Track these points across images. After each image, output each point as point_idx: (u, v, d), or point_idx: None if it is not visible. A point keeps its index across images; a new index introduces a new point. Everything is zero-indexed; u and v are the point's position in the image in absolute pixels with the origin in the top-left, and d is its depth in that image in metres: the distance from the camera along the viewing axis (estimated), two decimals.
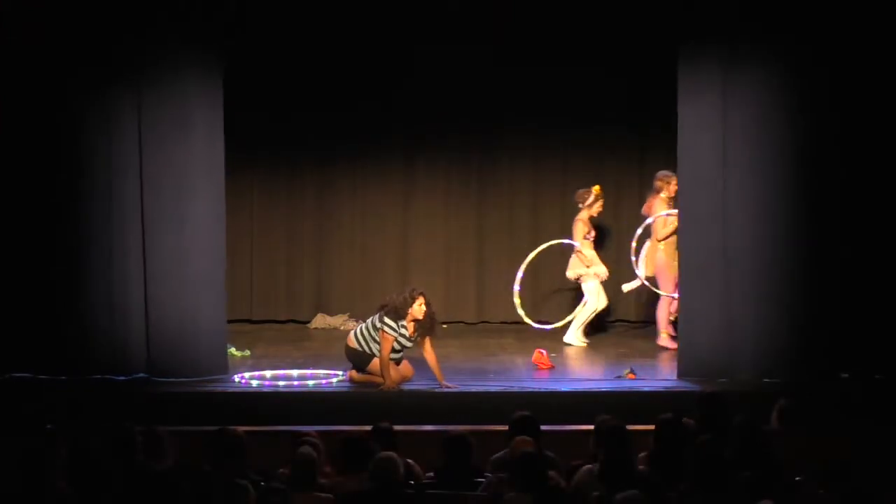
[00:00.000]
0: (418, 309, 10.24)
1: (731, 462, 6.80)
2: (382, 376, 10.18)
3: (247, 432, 7.26)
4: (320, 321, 13.83)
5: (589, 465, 7.02)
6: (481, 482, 7.00)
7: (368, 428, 7.57)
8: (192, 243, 10.65)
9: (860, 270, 10.63)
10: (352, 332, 10.54)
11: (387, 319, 10.22)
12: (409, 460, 7.20)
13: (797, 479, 6.81)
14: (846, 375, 10.57)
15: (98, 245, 10.64)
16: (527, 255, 13.04)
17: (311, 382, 10.55)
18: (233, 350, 11.56)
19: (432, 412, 9.68)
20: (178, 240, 10.62)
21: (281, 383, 10.52)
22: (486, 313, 14.10)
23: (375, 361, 10.29)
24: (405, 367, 10.46)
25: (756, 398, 9.37)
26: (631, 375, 10.63)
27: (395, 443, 7.37)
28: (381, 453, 6.70)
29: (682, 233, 10.87)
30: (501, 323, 13.94)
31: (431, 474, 7.30)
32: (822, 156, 10.62)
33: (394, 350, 10.29)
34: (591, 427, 7.48)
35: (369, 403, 9.90)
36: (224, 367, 10.74)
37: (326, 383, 10.54)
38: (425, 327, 10.30)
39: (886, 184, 10.67)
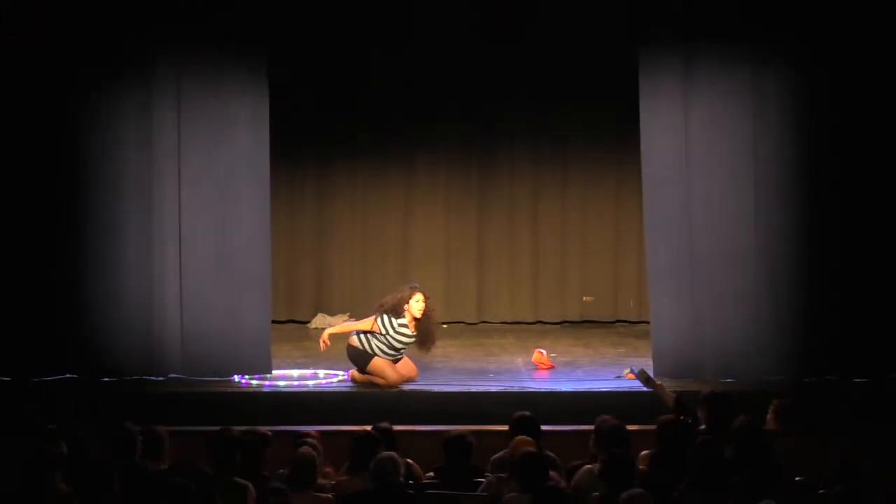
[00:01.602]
0: (416, 306, 10.16)
1: (731, 462, 6.80)
2: (383, 377, 10.15)
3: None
4: (320, 321, 13.82)
5: (589, 465, 7.03)
6: (481, 482, 7.00)
7: (368, 428, 7.56)
8: (237, 243, 10.65)
9: (828, 270, 10.67)
10: (354, 337, 10.48)
11: (385, 316, 10.18)
12: (409, 460, 7.21)
13: (797, 479, 6.81)
14: (810, 378, 10.56)
15: (136, 245, 10.64)
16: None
17: (311, 382, 10.55)
18: None
19: (432, 412, 9.67)
20: (223, 240, 10.64)
21: (281, 383, 10.51)
22: (486, 313, 14.09)
23: (376, 361, 10.25)
24: (408, 366, 10.43)
25: (756, 398, 9.36)
26: (630, 375, 10.61)
27: (395, 443, 7.37)
28: (381, 453, 6.70)
29: (647, 234, 10.87)
30: (501, 323, 13.94)
31: (431, 474, 7.30)
32: (785, 155, 10.67)
33: (393, 349, 10.27)
34: (591, 427, 7.48)
35: (369, 403, 9.90)
36: (268, 367, 10.71)
37: (326, 383, 10.54)
38: (425, 328, 10.24)
39: (850, 183, 10.67)
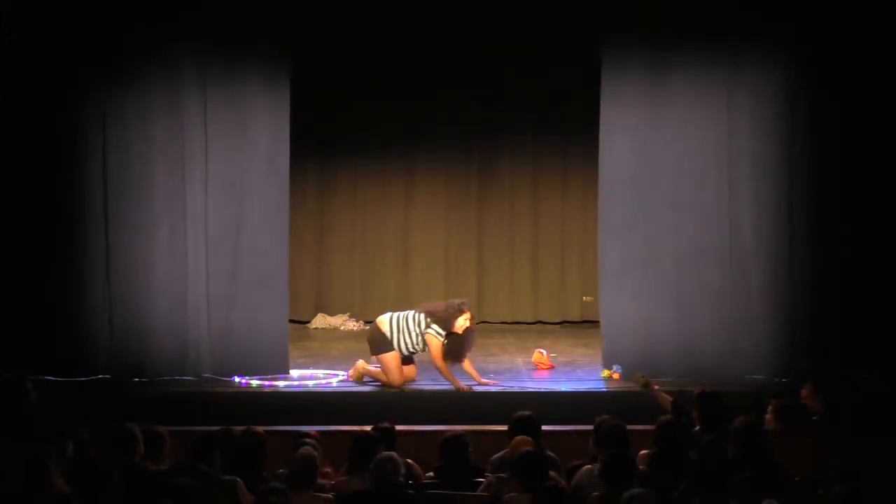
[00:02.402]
0: (462, 323, 10.17)
1: (731, 462, 6.80)
2: (447, 377, 10.13)
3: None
4: (320, 321, 13.83)
5: (589, 465, 7.03)
6: (481, 482, 7.00)
7: (368, 428, 7.56)
8: (257, 243, 10.69)
9: (792, 270, 10.69)
10: (385, 316, 10.38)
11: (434, 326, 10.17)
12: (409, 460, 7.21)
13: (797, 479, 6.81)
14: (760, 377, 10.61)
15: (161, 245, 10.68)
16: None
17: (311, 382, 10.55)
18: None
19: (432, 412, 9.68)
20: (241, 239, 10.67)
21: (281, 383, 10.51)
22: (486, 313, 14.10)
23: (392, 354, 10.18)
24: (411, 368, 10.41)
25: (755, 398, 9.37)
26: (615, 375, 10.60)
27: (395, 443, 7.37)
28: (381, 453, 6.70)
29: (601, 233, 10.87)
30: (501, 323, 13.95)
31: (431, 474, 7.30)
32: (749, 156, 10.69)
33: (410, 352, 10.26)
34: (591, 427, 7.48)
35: (369, 403, 9.91)
36: (286, 367, 10.73)
37: (326, 383, 10.54)
38: (459, 342, 10.19)
39: (817, 183, 10.72)
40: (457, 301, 10.37)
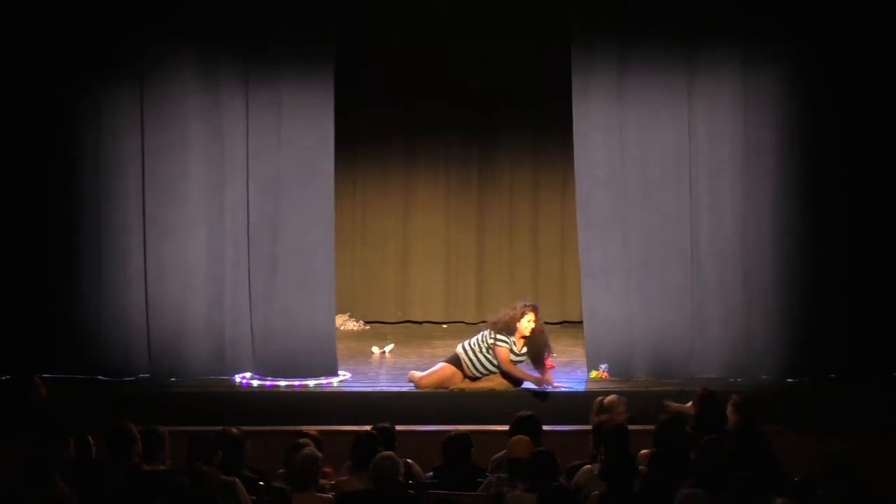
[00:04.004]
0: (526, 325, 10.03)
1: (731, 462, 6.80)
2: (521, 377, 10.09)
3: (246, 432, 7.28)
4: None
5: (589, 465, 7.03)
6: (481, 482, 7.00)
7: (368, 428, 7.56)
8: (300, 243, 10.68)
9: (767, 270, 10.70)
10: (460, 347, 10.30)
11: (499, 336, 10.10)
12: (409, 460, 7.21)
13: (797, 479, 6.81)
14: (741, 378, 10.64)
15: (200, 246, 10.67)
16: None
17: (311, 382, 10.54)
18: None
19: (432, 412, 9.68)
20: (286, 239, 10.66)
21: (281, 383, 10.51)
22: (486, 313, 14.05)
23: (445, 367, 10.20)
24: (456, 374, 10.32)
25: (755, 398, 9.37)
26: (604, 375, 10.59)
27: (395, 443, 7.37)
28: (381, 453, 6.70)
29: (580, 232, 10.88)
30: None
31: (431, 474, 7.30)
32: (722, 154, 10.71)
33: (483, 374, 10.19)
34: (591, 427, 7.48)
35: (369, 403, 9.91)
36: (334, 368, 10.71)
37: (327, 383, 10.54)
38: (535, 346, 10.09)
39: (789, 181, 10.74)
40: (519, 304, 10.24)
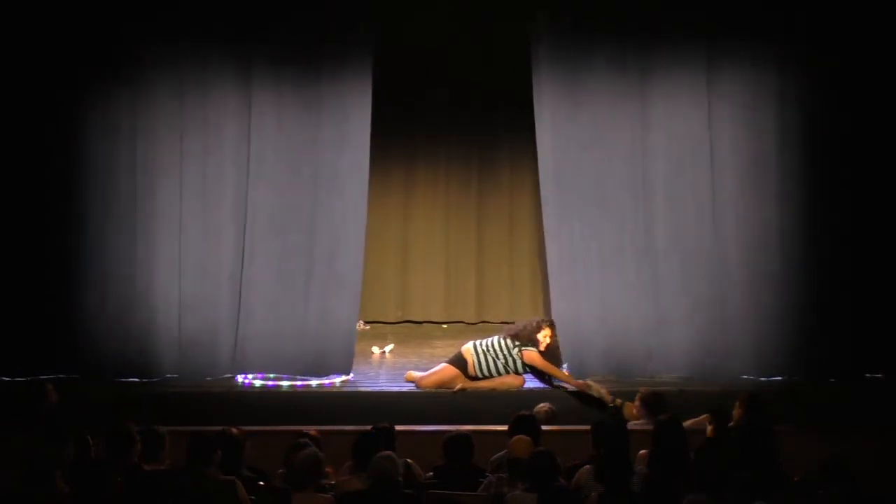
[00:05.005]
0: (543, 340, 10.26)
1: (732, 462, 6.80)
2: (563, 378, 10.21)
3: (246, 432, 7.28)
4: None
5: (589, 465, 7.03)
6: (481, 482, 7.00)
7: (368, 428, 7.56)
8: (330, 244, 10.67)
9: (728, 268, 10.74)
10: (469, 344, 10.43)
11: (525, 346, 10.27)
12: (409, 460, 7.21)
13: (797, 479, 6.81)
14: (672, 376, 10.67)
15: (229, 245, 10.69)
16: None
17: (313, 382, 10.55)
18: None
19: (432, 412, 9.69)
20: (317, 240, 10.66)
21: (283, 384, 10.51)
22: (486, 313, 14.10)
23: (447, 368, 10.29)
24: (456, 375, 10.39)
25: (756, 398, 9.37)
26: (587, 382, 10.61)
27: (395, 443, 7.37)
28: (380, 453, 6.70)
29: (545, 232, 10.90)
30: (502, 323, 13.91)
31: (431, 474, 7.30)
32: (677, 153, 10.76)
33: (485, 375, 10.28)
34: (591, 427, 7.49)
35: (369, 403, 9.91)
36: (349, 367, 10.72)
37: (328, 383, 10.55)
38: (550, 359, 10.28)
39: (746, 179, 10.79)
40: (535, 319, 10.51)
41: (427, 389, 10.22)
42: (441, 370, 10.31)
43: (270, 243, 10.68)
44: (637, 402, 9.01)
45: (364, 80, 10.70)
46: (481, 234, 14.18)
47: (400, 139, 14.01)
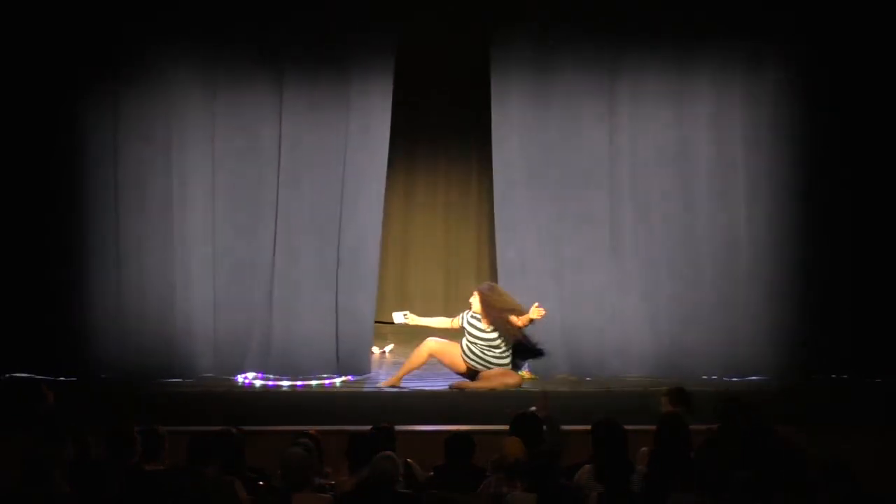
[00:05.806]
0: (474, 303, 10.25)
1: (732, 462, 6.80)
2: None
3: (246, 432, 7.28)
4: None
5: (589, 465, 7.03)
6: (482, 482, 7.00)
7: (368, 428, 7.56)
8: (350, 243, 10.73)
9: (689, 267, 10.76)
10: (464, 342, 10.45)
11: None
12: (409, 460, 7.21)
13: (797, 479, 6.80)
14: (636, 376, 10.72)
15: (259, 245, 10.77)
16: None
17: (313, 382, 10.55)
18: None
19: (432, 412, 9.69)
20: (340, 239, 10.74)
21: (284, 383, 10.51)
22: None
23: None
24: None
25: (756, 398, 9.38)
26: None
27: (395, 443, 7.37)
28: (381, 453, 6.70)
29: (497, 233, 10.93)
30: None
31: (431, 474, 7.30)
32: (641, 155, 10.81)
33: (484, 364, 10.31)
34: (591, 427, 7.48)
35: (369, 403, 9.91)
36: (367, 367, 10.77)
37: (328, 384, 10.55)
38: (497, 324, 10.25)
39: (710, 177, 10.85)
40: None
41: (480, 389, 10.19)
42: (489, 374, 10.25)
43: (301, 243, 10.71)
44: (665, 399, 8.90)
45: (386, 80, 10.74)
46: (481, 234, 14.17)
47: (400, 139, 13.98)
